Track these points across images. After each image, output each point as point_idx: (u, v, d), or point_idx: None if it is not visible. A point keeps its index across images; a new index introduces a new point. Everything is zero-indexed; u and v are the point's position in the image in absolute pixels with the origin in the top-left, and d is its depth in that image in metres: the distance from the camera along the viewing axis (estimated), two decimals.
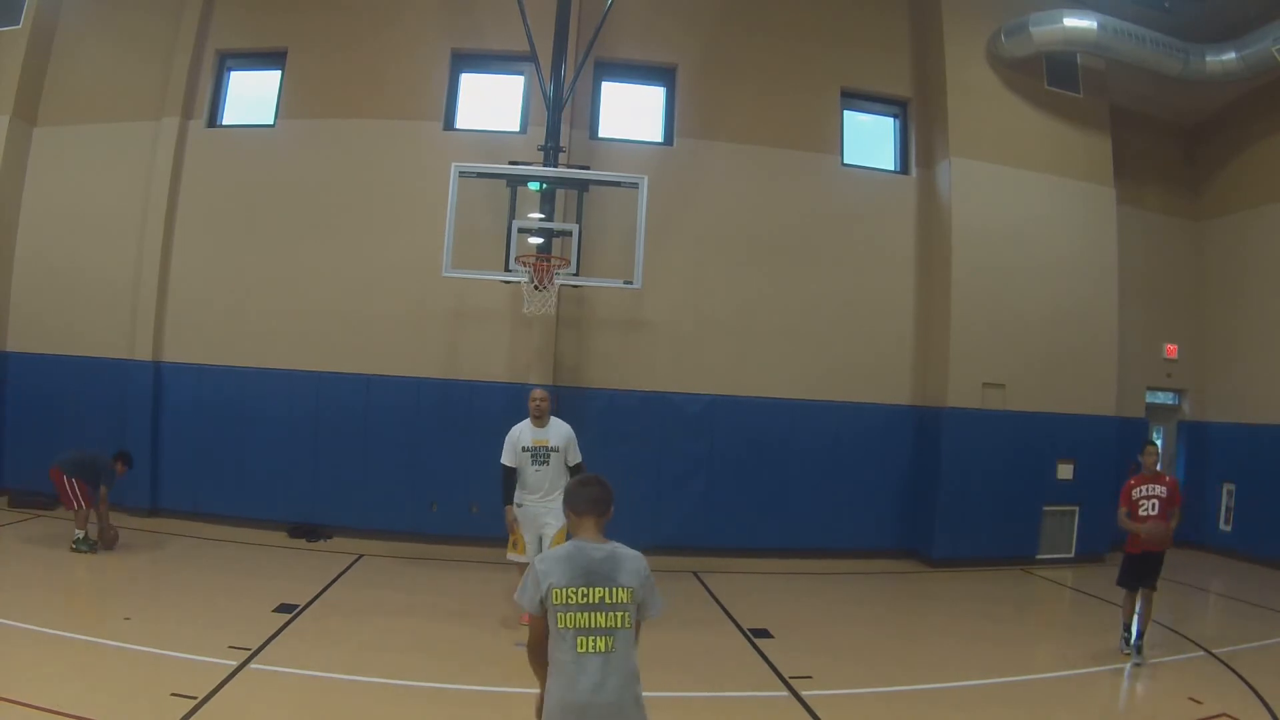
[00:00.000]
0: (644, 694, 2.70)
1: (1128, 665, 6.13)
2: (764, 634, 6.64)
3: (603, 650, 2.61)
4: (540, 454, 6.43)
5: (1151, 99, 11.67)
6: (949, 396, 9.92)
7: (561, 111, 8.97)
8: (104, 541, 7.96)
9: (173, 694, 4.48)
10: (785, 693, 5.33)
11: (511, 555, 6.52)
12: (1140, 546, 6.39)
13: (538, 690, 2.76)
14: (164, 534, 8.88)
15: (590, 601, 2.63)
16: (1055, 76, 10.72)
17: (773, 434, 9.86)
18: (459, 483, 9.19)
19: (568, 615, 2.62)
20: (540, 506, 6.40)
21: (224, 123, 10.43)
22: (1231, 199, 11.80)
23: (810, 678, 5.55)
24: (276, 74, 10.28)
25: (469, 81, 10.36)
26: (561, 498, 3.02)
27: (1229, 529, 11.27)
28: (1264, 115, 11.24)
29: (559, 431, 6.53)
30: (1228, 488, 11.35)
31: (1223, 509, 11.38)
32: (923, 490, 10.07)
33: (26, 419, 9.81)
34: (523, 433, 6.48)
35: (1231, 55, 10.04)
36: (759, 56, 10.38)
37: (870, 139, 10.96)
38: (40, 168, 10.21)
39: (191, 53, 10.04)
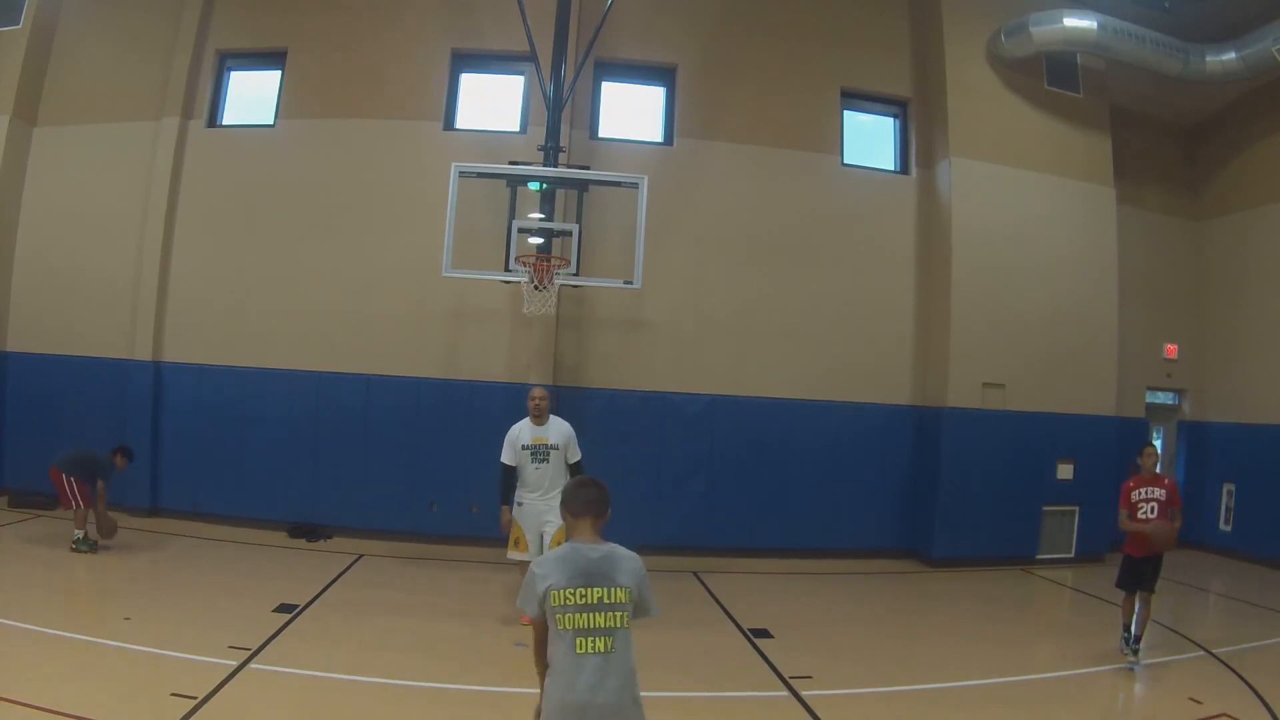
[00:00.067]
0: (643, 694, 2.70)
1: (1127, 666, 6.13)
2: (764, 634, 6.64)
3: (601, 650, 2.61)
4: (540, 452, 6.47)
5: (1151, 99, 11.67)
6: (949, 396, 9.92)
7: (561, 111, 8.98)
8: (102, 532, 7.94)
9: (173, 694, 4.49)
10: (785, 693, 5.33)
11: (512, 554, 6.53)
12: (1141, 550, 6.34)
13: (538, 690, 2.76)
14: (164, 534, 8.89)
15: (589, 602, 2.64)
16: (1055, 76, 10.72)
17: (773, 434, 9.86)
18: (459, 483, 9.19)
19: (566, 616, 2.63)
20: (541, 504, 6.42)
21: (224, 123, 10.43)
22: (1231, 199, 11.80)
23: (810, 678, 5.55)
24: (276, 74, 10.29)
25: (469, 81, 10.36)
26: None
27: (1229, 529, 11.26)
28: (1264, 115, 11.24)
29: (558, 429, 6.57)
30: (1228, 488, 11.34)
31: (1223, 509, 11.37)
32: (923, 490, 10.07)
33: (26, 419, 9.81)
34: (522, 431, 6.52)
35: (1231, 55, 10.04)
36: (759, 56, 10.38)
37: (870, 139, 10.95)
38: (40, 168, 10.21)
39: (191, 53, 10.04)
